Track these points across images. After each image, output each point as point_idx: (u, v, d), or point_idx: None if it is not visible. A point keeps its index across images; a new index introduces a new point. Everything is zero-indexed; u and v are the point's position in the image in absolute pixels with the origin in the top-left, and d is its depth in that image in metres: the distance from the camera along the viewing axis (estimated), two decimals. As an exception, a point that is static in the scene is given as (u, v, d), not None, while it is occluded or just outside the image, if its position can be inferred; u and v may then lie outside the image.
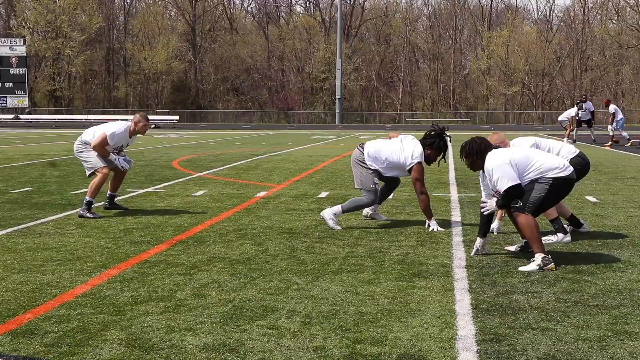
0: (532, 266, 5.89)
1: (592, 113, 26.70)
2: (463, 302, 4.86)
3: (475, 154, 6.40)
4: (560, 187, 6.49)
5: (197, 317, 4.52)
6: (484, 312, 4.62)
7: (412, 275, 5.63)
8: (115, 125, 8.94)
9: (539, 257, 5.93)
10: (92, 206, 8.64)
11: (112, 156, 8.93)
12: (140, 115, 9.07)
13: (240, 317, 4.53)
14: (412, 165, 7.82)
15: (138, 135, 9.25)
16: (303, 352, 3.90)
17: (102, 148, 8.78)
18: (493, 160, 6.24)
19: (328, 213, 7.86)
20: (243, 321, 4.44)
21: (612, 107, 26.18)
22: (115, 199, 9.33)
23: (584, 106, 26.51)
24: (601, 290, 5.18)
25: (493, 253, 6.48)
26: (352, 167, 8.12)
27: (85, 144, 8.94)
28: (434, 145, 7.92)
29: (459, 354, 3.88)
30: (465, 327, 4.32)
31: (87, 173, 8.97)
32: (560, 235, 7.11)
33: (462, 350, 3.94)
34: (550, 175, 6.38)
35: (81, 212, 8.56)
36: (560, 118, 26.76)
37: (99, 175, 8.75)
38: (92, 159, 8.85)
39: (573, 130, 26.31)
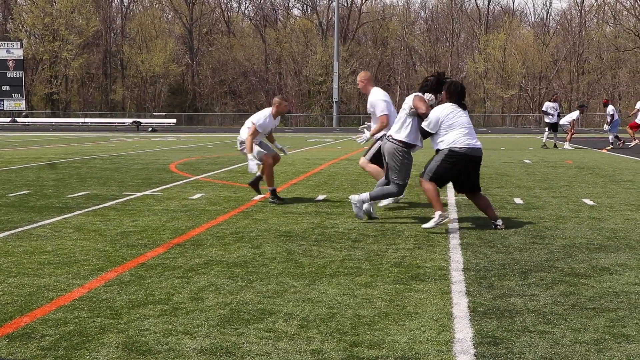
0: (431, 223, 7.59)
1: (558, 116, 26.47)
2: (460, 305, 4.86)
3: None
4: (456, 160, 7.67)
5: (194, 320, 4.52)
6: (482, 315, 4.62)
7: (409, 278, 5.63)
8: (260, 115, 10.19)
9: (437, 215, 7.58)
10: (276, 193, 10.14)
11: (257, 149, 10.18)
12: (278, 98, 10.39)
13: (238, 320, 4.52)
14: (412, 102, 8.14)
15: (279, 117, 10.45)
16: (300, 356, 3.90)
17: (253, 137, 10.07)
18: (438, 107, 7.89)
19: (355, 199, 8.29)
20: (240, 324, 4.43)
21: (610, 108, 26.10)
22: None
23: (548, 108, 26.39)
24: (598, 293, 5.18)
25: (489, 255, 6.48)
26: (388, 161, 8.24)
27: (242, 143, 10.32)
28: (426, 88, 8.25)
29: (457, 357, 3.88)
30: (463, 330, 4.32)
31: (256, 170, 10.09)
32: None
33: (459, 353, 3.94)
34: (447, 147, 7.68)
35: (270, 199, 10.07)
36: (561, 122, 26.68)
37: (265, 165, 10.09)
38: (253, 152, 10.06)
39: (573, 133, 26.31)
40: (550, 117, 26.00)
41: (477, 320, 4.51)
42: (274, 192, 10.16)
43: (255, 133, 10.05)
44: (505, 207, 9.72)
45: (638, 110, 24.67)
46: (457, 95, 8.00)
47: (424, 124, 7.93)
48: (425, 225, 7.73)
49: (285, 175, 14.33)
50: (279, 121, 10.55)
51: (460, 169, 7.78)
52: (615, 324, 4.44)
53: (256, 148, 10.16)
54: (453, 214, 9.08)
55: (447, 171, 7.77)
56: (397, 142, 8.13)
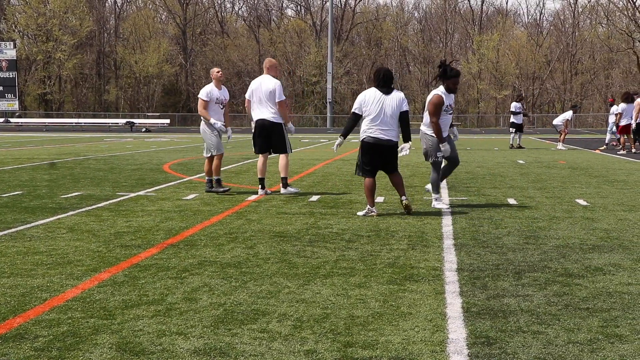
0: (361, 212, 8.95)
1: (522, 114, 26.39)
2: (454, 305, 4.87)
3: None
4: (364, 148, 8.92)
5: (188, 321, 4.51)
6: (475, 316, 4.63)
7: (403, 278, 5.63)
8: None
9: (367, 208, 8.94)
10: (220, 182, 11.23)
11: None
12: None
13: (231, 320, 4.52)
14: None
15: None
16: (294, 356, 3.90)
17: (205, 110, 11.36)
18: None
19: (434, 196, 9.65)
20: (234, 325, 4.43)
21: (615, 108, 25.33)
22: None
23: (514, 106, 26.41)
24: (592, 293, 5.19)
25: (482, 255, 6.49)
26: (421, 144, 9.70)
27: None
28: (438, 79, 9.53)
29: (450, 357, 3.89)
30: (457, 331, 4.32)
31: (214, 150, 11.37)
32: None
33: (453, 353, 3.94)
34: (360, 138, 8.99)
35: (207, 187, 11.17)
36: (554, 122, 26.67)
37: (216, 158, 11.30)
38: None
39: (566, 133, 26.29)
40: (518, 117, 26.04)
41: (470, 321, 4.52)
42: (218, 181, 11.17)
43: (203, 104, 11.26)
44: (498, 207, 9.73)
45: (620, 113, 23.94)
46: (377, 80, 9.02)
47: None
48: (359, 213, 9.00)
49: (278, 175, 14.30)
50: (227, 94, 11.52)
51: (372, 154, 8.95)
52: (609, 324, 4.45)
53: (218, 124, 11.28)
54: (447, 215, 9.09)
55: (363, 158, 8.99)
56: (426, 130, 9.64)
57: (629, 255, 6.53)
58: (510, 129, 26.36)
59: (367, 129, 8.89)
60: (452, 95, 9.55)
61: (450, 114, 9.58)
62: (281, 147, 11.00)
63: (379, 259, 6.38)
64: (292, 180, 13.28)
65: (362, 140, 8.94)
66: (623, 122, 23.57)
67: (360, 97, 9.01)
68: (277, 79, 11.04)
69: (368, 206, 8.95)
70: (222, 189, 11.11)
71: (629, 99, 23.85)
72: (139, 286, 5.36)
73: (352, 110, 8.98)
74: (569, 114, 26.05)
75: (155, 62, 72.93)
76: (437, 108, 9.32)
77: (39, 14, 70.86)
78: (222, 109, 11.38)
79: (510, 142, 26.31)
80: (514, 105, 26.44)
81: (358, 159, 9.09)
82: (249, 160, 18.70)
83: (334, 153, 16.92)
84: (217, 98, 11.27)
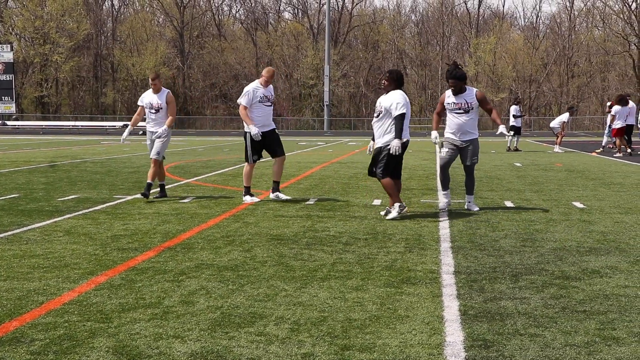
0: (394, 213, 8.78)
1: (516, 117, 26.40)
2: (451, 308, 4.87)
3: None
4: (405, 149, 8.91)
5: (185, 324, 4.51)
6: (472, 318, 4.63)
7: (400, 281, 5.63)
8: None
9: (396, 206, 8.78)
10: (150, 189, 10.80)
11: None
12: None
13: (229, 324, 4.52)
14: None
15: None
16: (291, 359, 3.90)
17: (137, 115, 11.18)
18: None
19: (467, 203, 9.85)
20: (231, 328, 4.43)
21: (616, 109, 25.19)
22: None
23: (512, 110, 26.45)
24: (589, 296, 5.20)
25: (479, 258, 6.49)
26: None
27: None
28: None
29: (448, 360, 3.89)
30: (454, 334, 4.32)
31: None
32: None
33: (450, 356, 3.94)
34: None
35: (143, 192, 10.68)
36: (551, 124, 26.65)
37: (152, 164, 10.98)
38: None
39: (563, 136, 26.30)
40: (518, 120, 26.14)
41: (468, 324, 4.51)
42: (149, 186, 10.76)
43: (138, 111, 11.11)
44: (495, 210, 9.74)
45: (614, 116, 23.79)
46: (401, 82, 9.10)
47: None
48: (388, 217, 8.87)
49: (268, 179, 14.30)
50: (163, 98, 10.99)
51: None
52: (606, 327, 4.46)
53: (148, 141, 11.06)
54: (444, 216, 9.09)
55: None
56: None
57: (626, 258, 6.53)
58: (511, 132, 26.32)
59: (405, 131, 8.97)
60: (463, 96, 9.53)
61: (461, 113, 9.55)
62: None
63: (376, 261, 6.37)
64: (290, 183, 13.28)
65: (406, 140, 8.95)
66: (617, 125, 23.49)
67: (405, 99, 8.96)
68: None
69: (398, 204, 8.85)
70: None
71: (622, 101, 23.82)
72: (135, 289, 5.35)
73: (404, 111, 8.82)
74: (565, 116, 26.07)
75: (153, 65, 72.89)
76: (439, 103, 9.86)
77: (36, 17, 70.83)
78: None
79: (508, 145, 26.34)
80: (515, 109, 26.45)
81: (390, 161, 8.96)
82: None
83: (348, 148, 16.89)
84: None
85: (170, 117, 10.90)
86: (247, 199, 10.61)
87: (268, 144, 10.65)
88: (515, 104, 26.88)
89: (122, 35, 79.37)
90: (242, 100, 10.43)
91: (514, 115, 26.28)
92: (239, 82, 77.39)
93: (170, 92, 11.20)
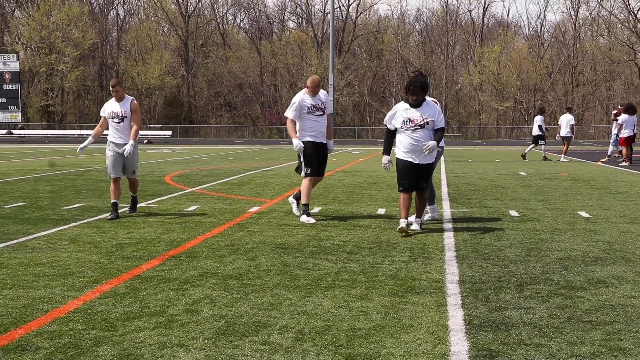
0: (415, 225, 8.76)
1: (540, 127, 26.31)
2: (456, 317, 4.85)
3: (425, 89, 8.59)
4: (399, 166, 8.73)
5: (189, 332, 4.51)
6: (477, 328, 4.61)
7: (405, 290, 5.62)
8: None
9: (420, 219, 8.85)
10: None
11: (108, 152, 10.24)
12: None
13: (233, 332, 4.51)
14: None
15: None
16: (296, 368, 3.89)
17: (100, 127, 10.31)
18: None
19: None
20: (235, 337, 4.42)
21: (623, 118, 24.98)
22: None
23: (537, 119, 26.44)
24: (594, 306, 5.18)
25: (484, 268, 6.48)
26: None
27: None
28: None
29: (453, 369, 3.87)
30: (459, 343, 4.31)
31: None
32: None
33: (455, 366, 3.93)
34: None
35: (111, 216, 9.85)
36: (562, 134, 26.53)
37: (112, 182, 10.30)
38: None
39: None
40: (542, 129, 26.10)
41: (472, 333, 4.50)
42: (115, 206, 9.93)
43: (101, 122, 10.26)
44: (500, 219, 9.72)
45: (621, 125, 23.69)
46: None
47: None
48: (413, 227, 8.74)
49: (280, 187, 14.33)
50: (127, 106, 10.03)
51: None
52: (612, 337, 4.44)
53: (109, 153, 10.20)
54: (449, 225, 9.08)
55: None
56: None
57: (632, 268, 6.51)
58: (540, 141, 26.22)
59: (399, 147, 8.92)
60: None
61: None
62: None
63: (381, 271, 6.36)
64: (294, 192, 13.29)
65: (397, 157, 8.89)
66: (625, 134, 23.43)
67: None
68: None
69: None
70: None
71: (630, 110, 23.78)
72: (140, 298, 5.35)
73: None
74: (570, 118, 25.89)
75: (157, 74, 73.09)
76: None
77: (42, 27, 71.07)
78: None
79: (544, 155, 26.23)
80: (541, 119, 26.35)
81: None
82: (249, 172, 18.70)
83: (352, 156, 16.87)
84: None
85: (134, 127, 9.99)
86: (304, 219, 9.53)
87: (321, 159, 10.10)
88: (540, 114, 26.82)
89: (127, 45, 79.59)
90: (288, 114, 9.75)
91: (539, 126, 26.19)
92: (243, 91, 77.60)
93: (135, 99, 10.25)
